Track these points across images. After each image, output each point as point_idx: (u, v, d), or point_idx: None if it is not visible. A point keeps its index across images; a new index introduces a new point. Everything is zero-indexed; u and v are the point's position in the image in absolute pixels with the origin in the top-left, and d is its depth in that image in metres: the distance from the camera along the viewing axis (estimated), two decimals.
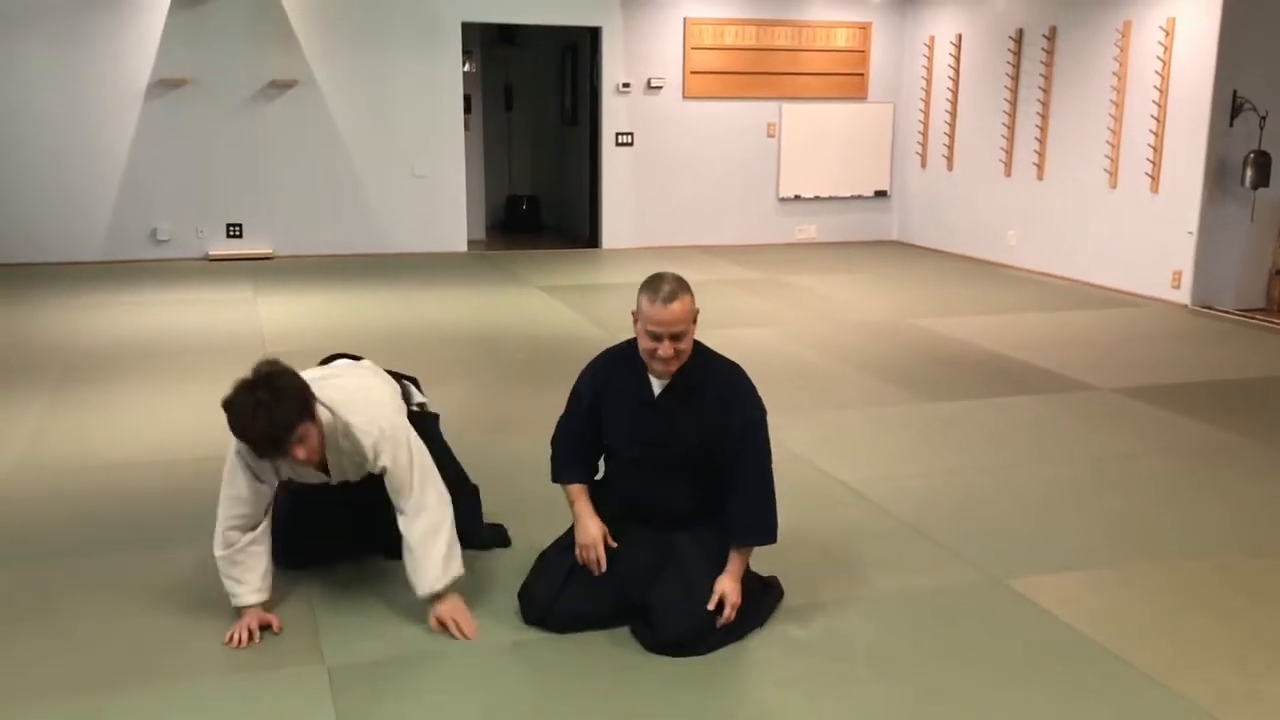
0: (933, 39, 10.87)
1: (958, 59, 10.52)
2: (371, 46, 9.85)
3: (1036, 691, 2.89)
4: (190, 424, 5.05)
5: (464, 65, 11.12)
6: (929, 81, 10.95)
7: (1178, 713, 2.80)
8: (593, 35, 10.61)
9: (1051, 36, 9.32)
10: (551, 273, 9.38)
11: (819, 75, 11.10)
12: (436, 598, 3.14)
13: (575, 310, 7.78)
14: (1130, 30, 8.55)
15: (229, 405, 2.98)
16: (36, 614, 3.25)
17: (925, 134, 11.09)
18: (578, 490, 3.23)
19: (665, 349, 3.00)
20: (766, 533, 3.14)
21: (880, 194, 11.54)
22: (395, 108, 9.98)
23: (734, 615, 3.05)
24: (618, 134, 10.64)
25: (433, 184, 10.21)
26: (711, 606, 3.03)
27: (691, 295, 3.02)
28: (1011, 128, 9.83)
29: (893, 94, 11.38)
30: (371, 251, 10.08)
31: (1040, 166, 9.53)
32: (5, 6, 8.93)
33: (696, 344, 3.10)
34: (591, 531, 3.14)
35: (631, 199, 10.80)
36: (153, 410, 5.32)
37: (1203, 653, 3.11)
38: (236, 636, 3.06)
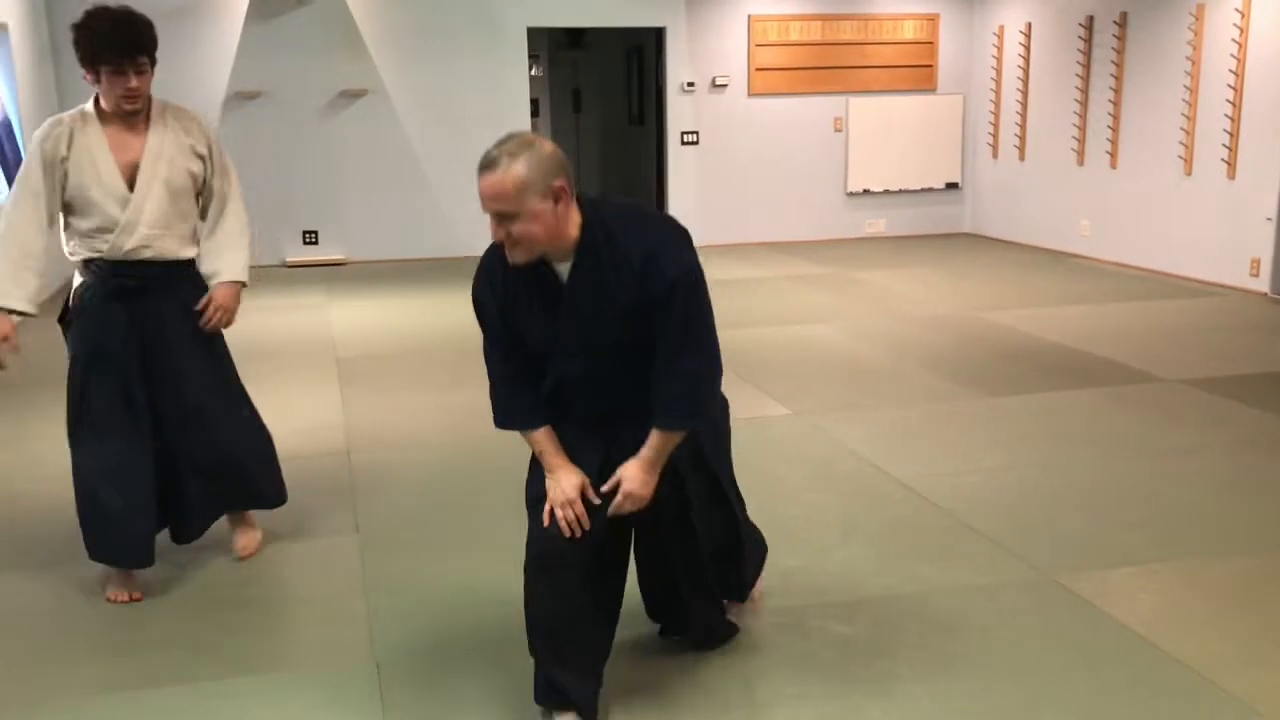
0: (1002, 28, 10.71)
1: (1028, 48, 10.36)
2: (439, 54, 10.01)
3: (1084, 688, 2.87)
4: None
5: (530, 69, 11.27)
6: (999, 71, 10.80)
7: (1228, 712, 2.76)
8: (657, 36, 10.66)
9: (1123, 23, 9.13)
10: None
11: (886, 68, 11.02)
12: (225, 284, 3.49)
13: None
14: (1204, 14, 8.34)
15: (94, 13, 3.22)
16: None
17: (996, 124, 10.93)
18: (541, 435, 2.67)
19: (496, 232, 2.42)
20: (689, 413, 2.58)
21: (951, 186, 11.41)
22: (462, 114, 10.14)
23: (627, 506, 2.59)
24: (683, 133, 10.67)
25: None
26: (605, 489, 2.60)
27: (531, 168, 2.35)
28: (1084, 116, 9.65)
29: (963, 85, 11.24)
30: (442, 256, 10.25)
31: (1113, 155, 9.34)
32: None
33: (593, 216, 2.50)
34: (565, 486, 2.59)
35: (697, 197, 10.83)
36: None
37: (1255, 651, 3.06)
38: None
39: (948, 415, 5.28)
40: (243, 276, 3.55)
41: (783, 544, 3.66)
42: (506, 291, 2.59)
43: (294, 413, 5.42)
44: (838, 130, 11.02)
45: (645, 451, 2.58)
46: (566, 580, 2.63)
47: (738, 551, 2.98)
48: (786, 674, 2.98)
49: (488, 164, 2.35)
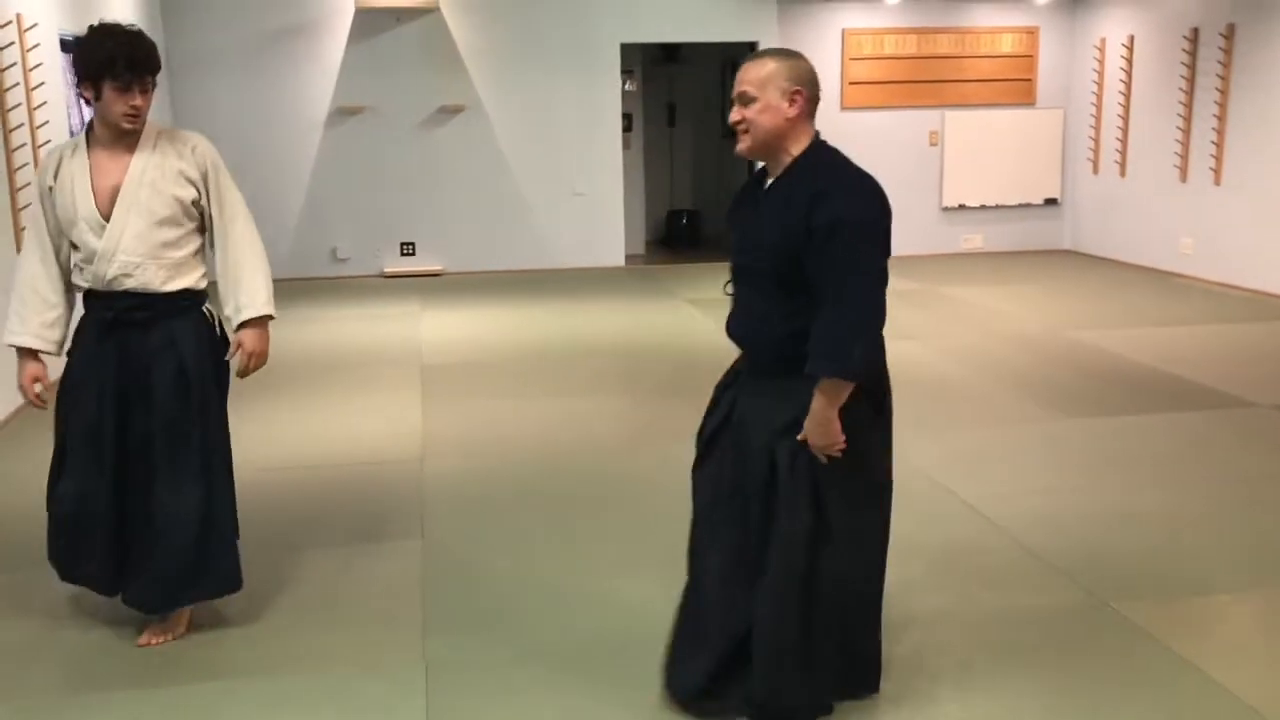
0: (1104, 41, 10.48)
1: (1130, 61, 10.12)
2: (534, 71, 10.20)
3: (1122, 714, 2.83)
4: (338, 433, 5.39)
5: (624, 84, 11.39)
6: (1100, 85, 10.56)
7: None
8: (750, 51, 10.68)
9: (1229, 35, 8.87)
10: (702, 286, 9.48)
11: (984, 81, 10.86)
12: (250, 323, 3.30)
13: (717, 322, 7.84)
14: None
15: (99, 29, 3.09)
16: None
17: (1097, 139, 10.69)
18: None
19: (734, 114, 2.64)
20: (841, 363, 2.56)
21: (1050, 202, 11.19)
22: (556, 128, 10.30)
23: (822, 451, 2.61)
24: None
25: (592, 201, 10.49)
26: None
27: (786, 67, 2.59)
28: (1187, 131, 9.39)
29: (1062, 99, 11.03)
30: (534, 267, 10.42)
31: (1217, 171, 9.06)
32: (203, 49, 9.67)
33: (819, 144, 2.66)
34: None
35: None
36: (307, 418, 5.68)
37: None
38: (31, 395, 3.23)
39: (1024, 437, 5.21)
40: (266, 309, 3.32)
41: None
42: (741, 197, 2.83)
43: (372, 418, 5.60)
44: (933, 144, 10.90)
45: (814, 407, 2.60)
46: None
47: (813, 634, 2.69)
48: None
49: (753, 55, 2.65)
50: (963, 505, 4.31)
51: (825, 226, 2.53)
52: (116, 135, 3.13)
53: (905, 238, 10.90)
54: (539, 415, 5.68)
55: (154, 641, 3.29)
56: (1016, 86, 10.95)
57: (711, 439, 2.87)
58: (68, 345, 3.29)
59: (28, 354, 3.24)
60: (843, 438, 2.61)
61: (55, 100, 6.70)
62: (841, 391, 2.58)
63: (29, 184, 6.08)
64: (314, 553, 3.93)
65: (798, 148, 2.64)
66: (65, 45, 7.06)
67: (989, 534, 4.03)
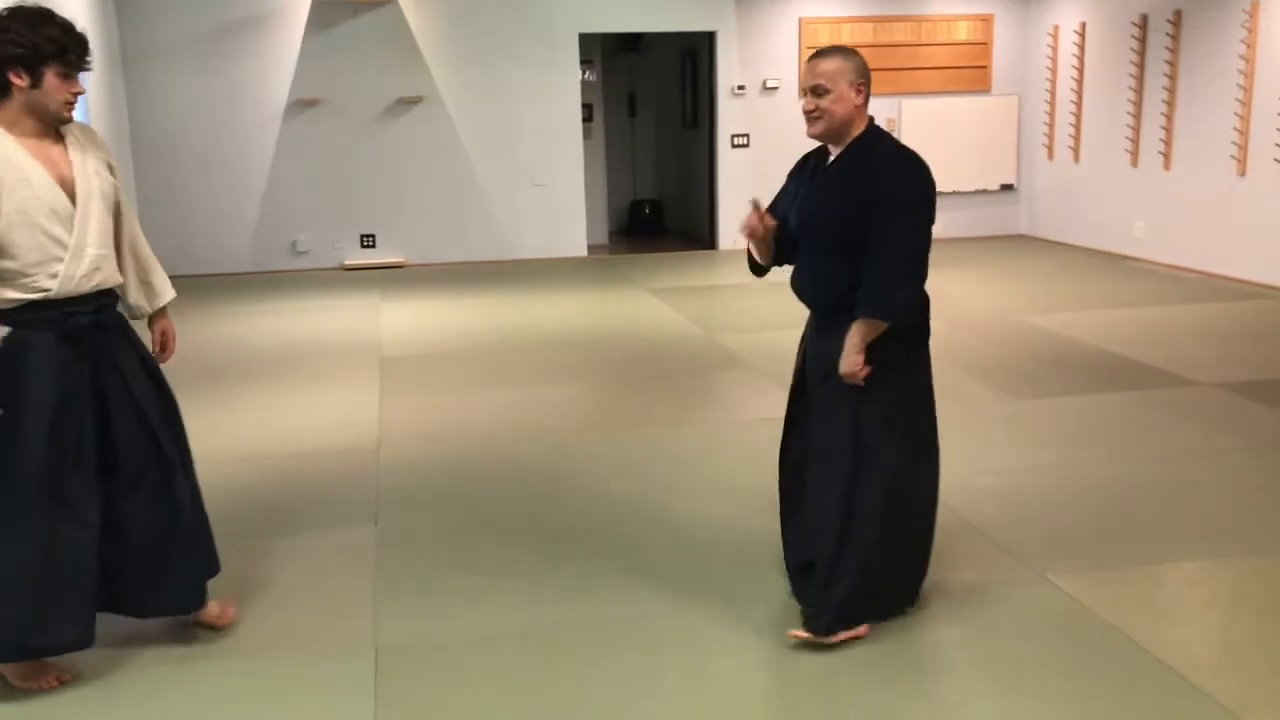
0: (1057, 28, 10.61)
1: (1082, 48, 10.25)
2: (492, 61, 10.21)
3: (1053, 687, 2.91)
4: (294, 424, 5.41)
5: (585, 74, 11.41)
6: (1054, 72, 10.70)
7: (1202, 712, 2.78)
8: (709, 40, 10.75)
9: (1176, 21, 9.01)
10: (664, 275, 9.55)
11: (940, 69, 10.98)
12: (163, 309, 3.24)
13: (678, 311, 7.93)
14: (1259, 11, 8.20)
15: (32, 10, 2.85)
16: None
17: (1051, 125, 10.83)
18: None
19: (807, 102, 3.10)
20: (879, 306, 3.02)
21: (1006, 187, 11.33)
22: (516, 119, 10.33)
23: (848, 378, 3.06)
24: (733, 136, 10.75)
25: (552, 192, 10.52)
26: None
27: (851, 63, 3.08)
28: (1138, 117, 9.53)
29: (1017, 85, 11.16)
30: (496, 258, 10.45)
31: (1167, 156, 9.21)
32: (158, 41, 9.61)
33: (875, 128, 3.16)
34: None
35: (748, 200, 10.87)
36: (264, 410, 5.69)
37: (1242, 652, 3.07)
38: None
39: (972, 418, 5.30)
40: (172, 293, 3.30)
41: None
42: (797, 173, 3.34)
43: (329, 410, 5.62)
44: (890, 131, 10.98)
45: (849, 338, 3.07)
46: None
47: (836, 541, 3.14)
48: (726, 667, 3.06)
49: (822, 53, 3.12)
50: None
51: (882, 193, 3.03)
52: (45, 126, 2.90)
53: None
54: (495, 404, 5.72)
55: (228, 615, 3.32)
56: (972, 74, 11.07)
57: (796, 380, 3.42)
58: None
59: None
60: (865, 369, 3.06)
61: None
62: (874, 330, 3.05)
63: None
64: (268, 540, 3.96)
65: (858, 129, 3.13)
66: None
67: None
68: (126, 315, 3.20)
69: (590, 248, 10.86)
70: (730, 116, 10.73)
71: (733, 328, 7.39)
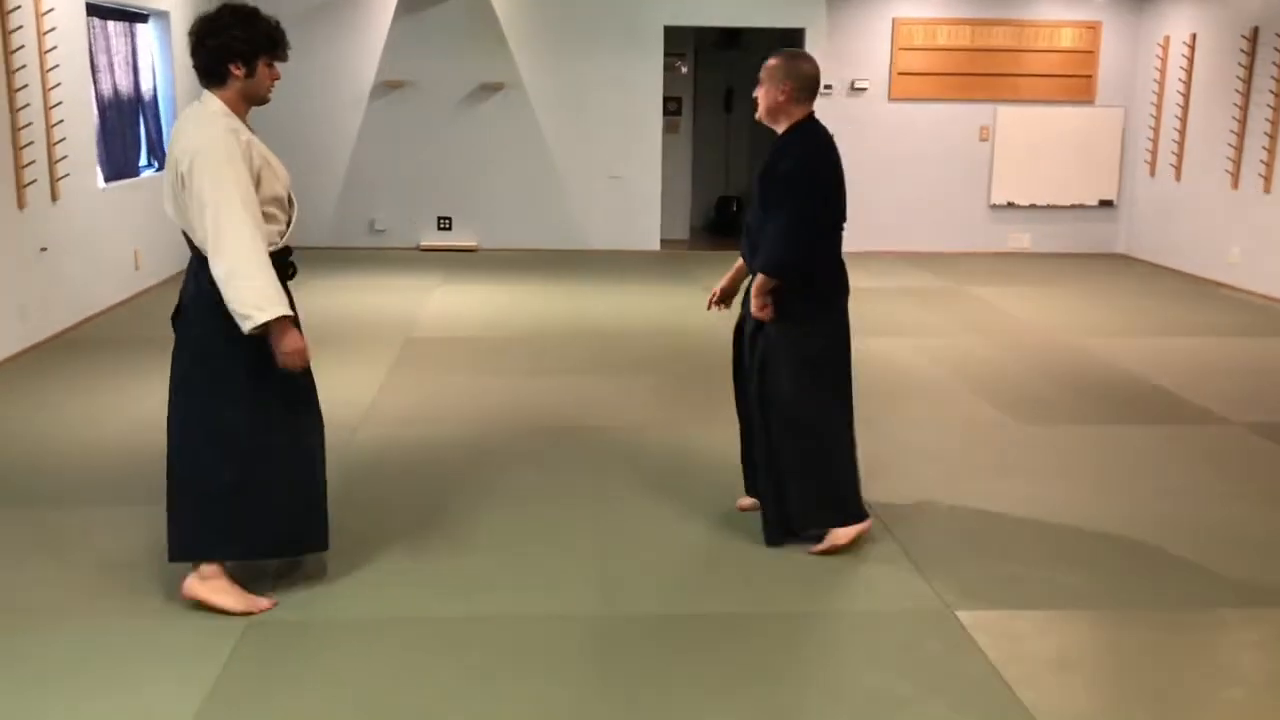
0: (1168, 39, 10.07)
1: (1191, 60, 9.70)
2: (576, 51, 10.24)
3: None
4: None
5: (680, 68, 11.37)
6: (1161, 85, 10.15)
7: None
8: (797, 37, 10.56)
9: None
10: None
11: (1041, 77, 10.54)
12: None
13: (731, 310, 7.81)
14: None
15: (244, 9, 3.32)
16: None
17: (1155, 141, 10.29)
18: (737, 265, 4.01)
19: (755, 90, 3.73)
20: (767, 264, 3.62)
21: (1105, 204, 10.82)
22: (595, 110, 10.34)
23: (757, 316, 3.69)
24: None
25: (628, 184, 10.51)
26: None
27: (784, 67, 3.63)
28: (1241, 135, 8.97)
29: (1124, 97, 10.63)
30: (567, 247, 10.50)
31: (1268, 178, 8.65)
32: None
33: (809, 122, 3.68)
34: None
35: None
36: None
37: (1115, 711, 2.86)
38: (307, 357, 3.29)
39: (970, 441, 5.08)
40: None
41: (704, 543, 3.65)
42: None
43: (327, 387, 5.71)
44: (983, 139, 10.63)
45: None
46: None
47: (783, 470, 3.75)
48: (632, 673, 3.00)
49: (773, 54, 3.71)
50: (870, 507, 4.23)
51: (781, 174, 3.60)
52: (245, 111, 3.38)
53: (949, 235, 10.72)
54: (499, 391, 5.75)
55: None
56: (1075, 83, 10.60)
57: (737, 330, 4.00)
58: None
59: (290, 322, 3.24)
60: (770, 310, 3.65)
61: (74, 66, 6.98)
62: (767, 283, 3.64)
63: (31, 143, 6.38)
64: None
65: (792, 121, 3.68)
66: (95, 11, 7.36)
67: (877, 534, 3.95)
68: None
69: (666, 242, 10.81)
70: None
71: None
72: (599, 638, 3.20)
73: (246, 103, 3.37)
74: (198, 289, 3.26)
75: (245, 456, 3.29)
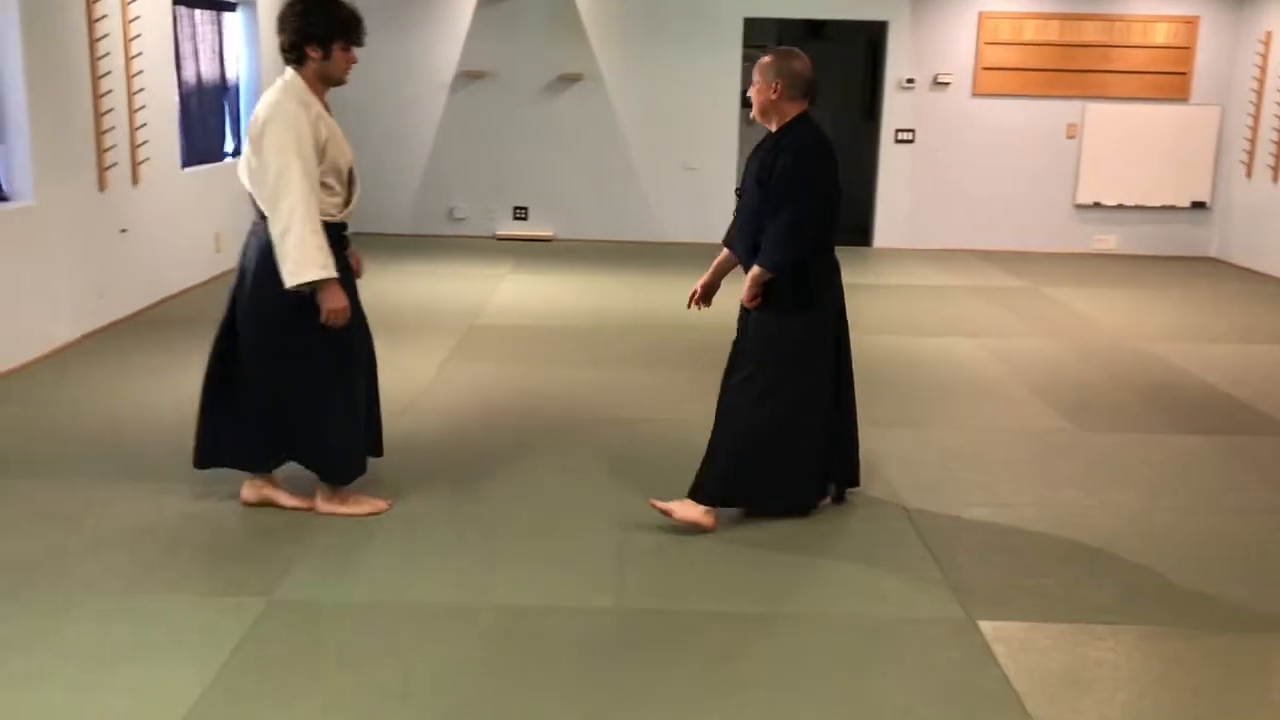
0: (1269, 35, 9.68)
1: None
2: (654, 42, 10.23)
3: None
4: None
5: (759, 59, 11.26)
6: (1261, 82, 9.77)
7: None
8: (881, 30, 10.40)
9: None
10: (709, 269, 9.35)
11: (1132, 74, 10.23)
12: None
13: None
14: None
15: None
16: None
17: (1253, 141, 9.91)
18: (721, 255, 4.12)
19: (749, 91, 3.84)
20: (766, 260, 3.71)
21: (1198, 205, 10.46)
22: (672, 102, 10.32)
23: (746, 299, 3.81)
24: (897, 130, 10.39)
25: (704, 176, 10.47)
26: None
27: (775, 65, 3.75)
28: None
29: (1221, 95, 10.26)
30: (641, 239, 10.50)
31: None
32: None
33: (803, 119, 3.77)
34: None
35: (907, 197, 10.51)
36: None
37: None
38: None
39: (1017, 445, 4.97)
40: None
41: (730, 541, 3.64)
42: (754, 152, 3.88)
43: (382, 373, 5.81)
44: (1070, 137, 10.35)
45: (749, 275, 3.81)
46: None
47: (720, 442, 3.88)
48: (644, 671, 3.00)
49: (765, 52, 3.84)
50: (898, 509, 4.17)
51: (778, 171, 3.66)
52: (322, 91, 3.71)
53: (1031, 234, 10.48)
54: (549, 380, 5.79)
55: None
56: (1169, 80, 10.26)
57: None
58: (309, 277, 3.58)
59: (335, 283, 3.61)
60: (757, 300, 3.77)
61: (157, 54, 7.19)
62: (763, 275, 3.74)
63: (114, 128, 6.59)
64: (234, 483, 4.15)
65: (786, 119, 3.77)
66: (182, 1, 7.57)
67: (908, 539, 3.89)
68: None
69: None
70: (896, 110, 10.37)
71: None
72: (612, 631, 3.21)
73: (323, 83, 3.72)
74: (259, 247, 3.66)
75: (339, 380, 3.80)
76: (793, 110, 3.77)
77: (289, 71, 3.67)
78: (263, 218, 3.62)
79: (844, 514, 4.09)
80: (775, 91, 3.74)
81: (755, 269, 3.76)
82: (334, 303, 3.62)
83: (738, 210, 4.02)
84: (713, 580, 3.56)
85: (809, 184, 3.67)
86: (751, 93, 3.80)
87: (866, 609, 3.40)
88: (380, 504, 3.97)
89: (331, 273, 3.58)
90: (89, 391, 5.40)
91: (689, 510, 3.85)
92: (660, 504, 3.87)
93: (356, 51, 3.73)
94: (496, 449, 4.74)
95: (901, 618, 3.34)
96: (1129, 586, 3.59)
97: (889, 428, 5.09)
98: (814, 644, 3.17)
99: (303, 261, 3.53)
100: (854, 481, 4.15)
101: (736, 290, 3.89)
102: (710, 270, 4.11)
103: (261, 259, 3.65)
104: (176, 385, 5.50)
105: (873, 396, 5.60)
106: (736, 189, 4.10)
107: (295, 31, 3.61)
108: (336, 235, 3.74)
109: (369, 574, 3.53)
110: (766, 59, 3.79)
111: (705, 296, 4.12)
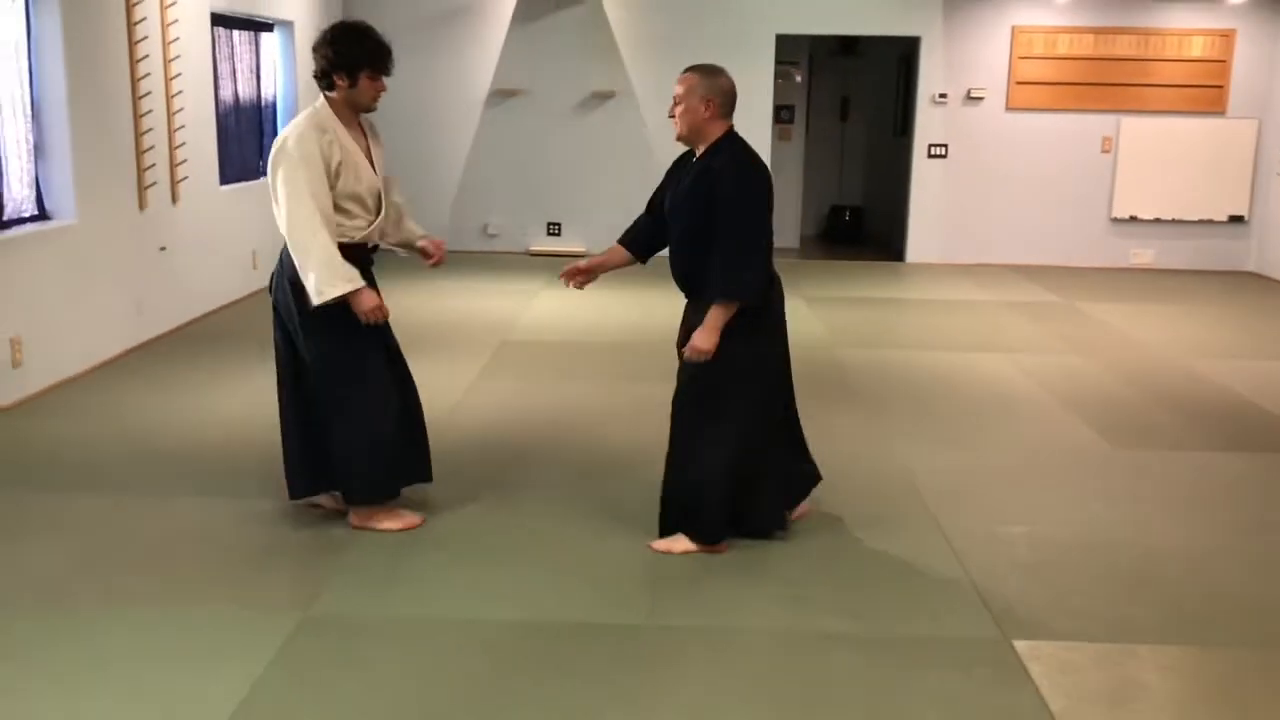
0: None
1: None
2: (685, 59, 10.05)
3: None
4: None
5: (795, 76, 11.31)
6: None
7: None
8: (914, 46, 10.39)
9: None
10: (830, 283, 9.34)
11: (1168, 87, 10.16)
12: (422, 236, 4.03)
13: (819, 321, 7.77)
14: None
15: (354, 27, 3.79)
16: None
17: None
18: (613, 247, 4.17)
19: (671, 108, 3.68)
20: (729, 289, 3.55)
21: (1236, 219, 10.36)
22: None
23: (690, 355, 3.64)
24: (930, 145, 10.36)
25: None
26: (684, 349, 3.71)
27: (704, 82, 3.63)
28: None
29: (1259, 109, 10.17)
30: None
31: None
32: (382, 26, 10.23)
33: (730, 136, 3.67)
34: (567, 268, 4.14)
35: (940, 213, 10.47)
36: None
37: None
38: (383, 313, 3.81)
39: (1051, 462, 4.93)
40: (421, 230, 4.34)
41: (750, 558, 3.64)
42: (677, 169, 3.87)
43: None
44: (1105, 151, 10.29)
45: (706, 320, 3.60)
46: None
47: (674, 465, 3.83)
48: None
49: (686, 69, 3.69)
50: (933, 525, 4.15)
51: (722, 196, 3.56)
52: (353, 117, 3.83)
53: (1067, 249, 10.42)
54: (575, 396, 5.81)
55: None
56: (1205, 94, 10.18)
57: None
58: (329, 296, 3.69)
59: (365, 290, 3.76)
60: (713, 351, 3.58)
61: (197, 74, 7.30)
62: (728, 311, 3.57)
63: (153, 147, 6.69)
64: (261, 501, 4.19)
65: (713, 138, 3.67)
66: (220, 21, 7.68)
67: (939, 558, 3.87)
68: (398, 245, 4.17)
69: (776, 251, 10.69)
70: (929, 125, 10.34)
71: (863, 343, 7.16)
72: (645, 647, 3.21)
73: (351, 109, 3.83)
74: (281, 261, 3.86)
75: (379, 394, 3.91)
76: (719, 129, 3.67)
77: (320, 96, 3.83)
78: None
79: (877, 531, 4.08)
80: (708, 111, 3.63)
81: (717, 307, 3.57)
82: (364, 304, 3.74)
83: (671, 239, 3.84)
84: (744, 597, 3.56)
85: (754, 202, 3.60)
86: (676, 113, 3.64)
87: (899, 627, 3.38)
88: (414, 519, 4.01)
89: (348, 286, 3.68)
90: (130, 406, 5.47)
91: (687, 542, 3.82)
92: (659, 545, 3.84)
93: (387, 80, 3.85)
94: (529, 465, 4.77)
95: (935, 636, 3.32)
96: (1170, 606, 3.55)
97: (922, 443, 5.07)
98: (846, 662, 3.15)
99: (320, 282, 3.65)
100: (816, 477, 4.11)
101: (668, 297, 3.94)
102: (600, 258, 4.13)
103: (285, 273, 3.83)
104: (216, 401, 5.56)
105: (906, 412, 5.60)
106: (652, 201, 4.01)
107: (324, 60, 3.76)
108: (358, 255, 3.84)
109: (404, 590, 3.56)
110: (693, 77, 3.65)
111: (582, 273, 4.11)
